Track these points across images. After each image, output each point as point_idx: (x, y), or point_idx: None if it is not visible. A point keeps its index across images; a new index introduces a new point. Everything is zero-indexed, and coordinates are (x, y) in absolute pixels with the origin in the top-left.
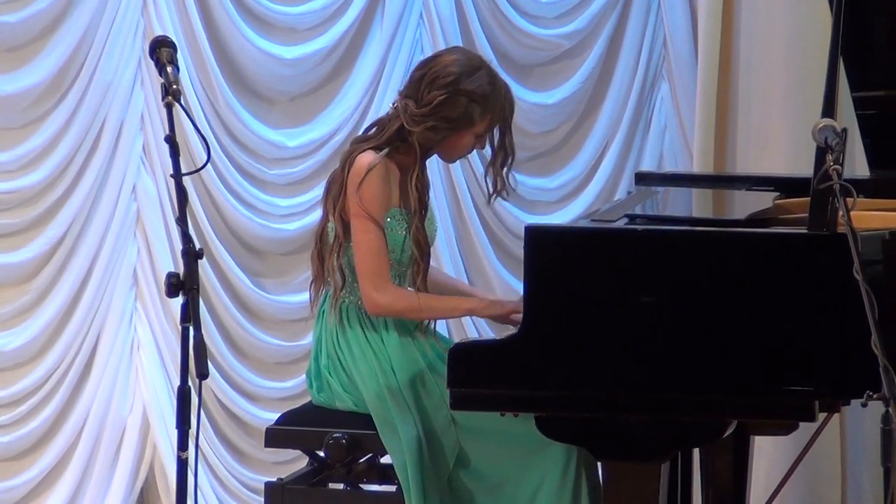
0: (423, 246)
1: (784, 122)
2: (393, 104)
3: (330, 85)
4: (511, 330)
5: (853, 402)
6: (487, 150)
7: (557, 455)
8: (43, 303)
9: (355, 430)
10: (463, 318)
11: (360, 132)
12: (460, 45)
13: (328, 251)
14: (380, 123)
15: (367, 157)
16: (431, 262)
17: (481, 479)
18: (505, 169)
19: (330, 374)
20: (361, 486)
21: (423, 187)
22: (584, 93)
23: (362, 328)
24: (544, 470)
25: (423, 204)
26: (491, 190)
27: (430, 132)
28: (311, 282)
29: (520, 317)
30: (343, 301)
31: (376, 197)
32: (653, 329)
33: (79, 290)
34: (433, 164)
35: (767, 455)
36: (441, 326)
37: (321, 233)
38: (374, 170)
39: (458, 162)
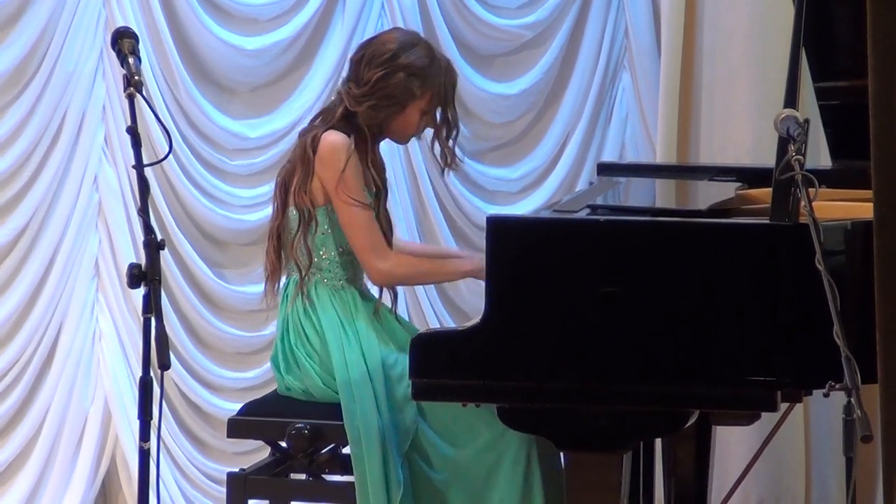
0: (386, 228)
1: (747, 112)
2: (336, 91)
3: (291, 76)
4: (473, 320)
5: (816, 392)
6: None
7: (513, 445)
8: (4, 293)
9: (317, 421)
10: (423, 306)
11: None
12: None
13: (291, 241)
14: (325, 111)
15: (333, 135)
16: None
17: (437, 466)
18: (451, 141)
19: (297, 348)
20: (323, 476)
21: (380, 168)
22: (545, 83)
23: (332, 303)
24: (500, 460)
25: (384, 185)
26: (442, 163)
27: (373, 111)
28: (267, 278)
29: None
30: (312, 281)
31: (353, 168)
32: (614, 320)
33: (40, 280)
34: (394, 153)
35: (730, 445)
36: (403, 313)
37: (277, 228)
38: (344, 146)
39: (420, 153)
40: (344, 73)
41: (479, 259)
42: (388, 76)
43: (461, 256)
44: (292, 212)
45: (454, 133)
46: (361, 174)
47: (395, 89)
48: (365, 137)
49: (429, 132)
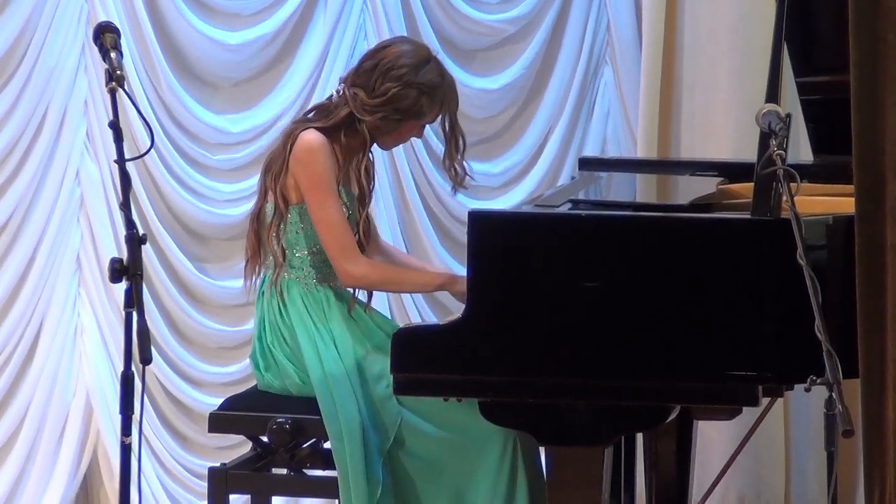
0: (367, 231)
1: (728, 107)
2: (337, 90)
3: (273, 70)
4: (454, 315)
5: (797, 386)
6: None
7: (496, 440)
8: None
9: (299, 416)
10: (405, 302)
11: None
12: (404, 31)
13: (265, 230)
14: (324, 108)
15: (311, 135)
16: (387, 241)
17: (420, 461)
18: (460, 156)
19: (274, 346)
20: (305, 471)
21: (370, 175)
22: (527, 78)
23: (303, 301)
24: (483, 455)
25: (370, 191)
26: (454, 180)
27: (381, 122)
28: (246, 262)
29: None
30: (283, 278)
31: (327, 170)
32: (596, 314)
33: (22, 275)
34: (377, 150)
35: (711, 440)
36: (384, 309)
37: (258, 212)
38: (321, 147)
39: (402, 148)
40: (343, 73)
41: (456, 276)
42: (402, 91)
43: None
44: (269, 203)
45: (463, 146)
46: (336, 175)
47: (408, 105)
48: (364, 142)
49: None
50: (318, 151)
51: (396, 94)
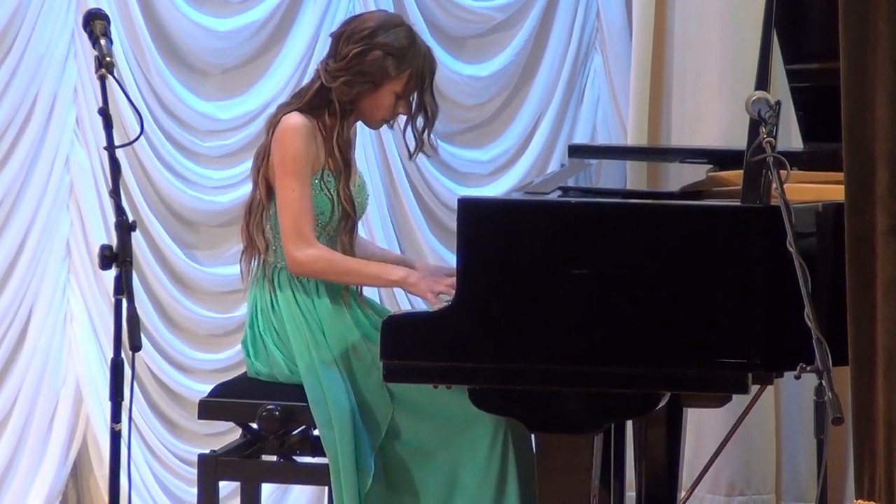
0: (349, 208)
1: (718, 94)
2: (315, 69)
3: (263, 57)
4: (444, 302)
5: (787, 374)
6: None
7: (486, 427)
8: None
9: (288, 402)
10: (397, 290)
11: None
12: None
13: (253, 220)
14: (300, 90)
15: (291, 118)
16: (365, 236)
17: (410, 449)
18: (424, 130)
19: (265, 335)
20: (294, 457)
21: (346, 144)
22: (517, 65)
23: (293, 291)
24: (473, 441)
25: (347, 163)
26: (411, 148)
27: (346, 86)
28: (242, 253)
29: (447, 297)
30: (271, 265)
31: (300, 153)
32: (586, 301)
33: (12, 262)
34: (366, 137)
35: (701, 427)
36: (374, 297)
37: (251, 204)
38: (298, 129)
39: (391, 135)
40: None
41: (414, 273)
42: (365, 53)
43: (412, 266)
44: (258, 192)
45: (429, 122)
46: (310, 160)
47: (370, 66)
48: (335, 113)
49: (401, 117)
50: (294, 133)
51: (358, 55)
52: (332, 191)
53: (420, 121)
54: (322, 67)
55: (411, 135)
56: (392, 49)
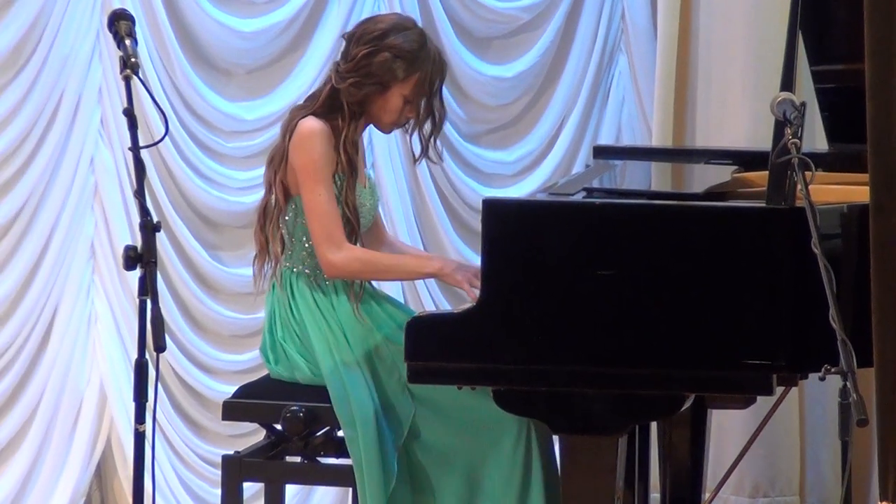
0: (350, 214)
1: (743, 95)
2: (328, 71)
3: (288, 58)
4: (468, 303)
5: (811, 375)
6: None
7: (510, 428)
8: (0, 275)
9: (312, 403)
10: (419, 289)
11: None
12: (419, 19)
13: (268, 224)
14: (313, 93)
15: (308, 122)
16: (389, 232)
17: (434, 450)
18: (430, 135)
19: (286, 342)
20: (318, 459)
21: (352, 148)
22: (542, 66)
23: (311, 293)
24: (497, 442)
25: (353, 166)
26: (416, 153)
27: (354, 87)
28: (255, 256)
29: (478, 291)
30: (288, 268)
31: (322, 158)
32: (610, 303)
33: (36, 263)
34: (391, 137)
35: (725, 429)
36: (398, 295)
37: (264, 206)
38: (316, 133)
39: (416, 135)
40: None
41: (449, 262)
42: (373, 54)
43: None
44: (273, 194)
45: (436, 128)
46: (331, 163)
47: (379, 68)
48: (345, 116)
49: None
50: (313, 137)
51: (367, 56)
52: (339, 194)
53: (427, 126)
54: (333, 68)
55: (417, 140)
56: (401, 51)
